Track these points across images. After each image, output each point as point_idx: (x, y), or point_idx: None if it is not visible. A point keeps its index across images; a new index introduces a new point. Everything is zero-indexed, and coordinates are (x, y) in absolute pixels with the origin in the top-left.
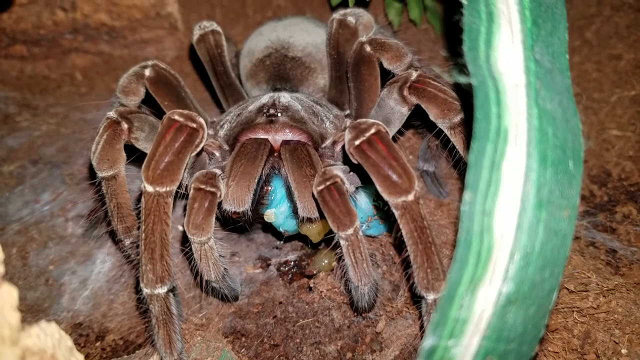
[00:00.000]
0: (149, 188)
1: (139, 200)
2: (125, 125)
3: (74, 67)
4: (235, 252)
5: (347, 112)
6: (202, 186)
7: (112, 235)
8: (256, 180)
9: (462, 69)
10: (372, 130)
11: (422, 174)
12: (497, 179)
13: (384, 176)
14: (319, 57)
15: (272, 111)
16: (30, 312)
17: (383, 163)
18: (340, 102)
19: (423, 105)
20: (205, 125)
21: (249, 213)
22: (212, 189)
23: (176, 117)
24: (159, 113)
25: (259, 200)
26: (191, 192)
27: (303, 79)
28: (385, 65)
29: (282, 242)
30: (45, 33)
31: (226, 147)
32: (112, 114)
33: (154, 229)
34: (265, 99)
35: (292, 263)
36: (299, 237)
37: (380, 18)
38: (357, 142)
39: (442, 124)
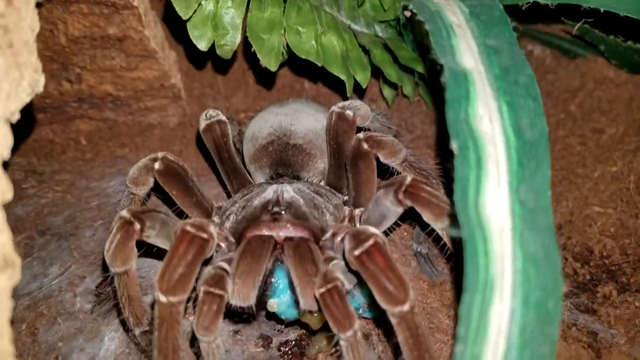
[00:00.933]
0: (163, 298)
1: None
2: (137, 226)
3: (78, 132)
4: (238, 329)
5: (346, 196)
6: (211, 289)
7: (123, 323)
8: (261, 277)
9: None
10: (371, 242)
11: (416, 255)
12: (484, 324)
13: (381, 287)
14: (319, 143)
15: (276, 209)
16: None
17: (380, 275)
18: (339, 186)
19: (417, 209)
20: (215, 234)
21: (254, 307)
22: (220, 292)
23: (188, 229)
24: (164, 197)
25: (263, 292)
26: (201, 295)
27: (304, 164)
28: (382, 159)
29: (283, 326)
30: (50, 102)
31: (232, 239)
32: (125, 213)
33: (167, 335)
34: (270, 193)
35: (293, 342)
36: (299, 322)
37: (375, 89)
38: (356, 253)
39: (435, 225)
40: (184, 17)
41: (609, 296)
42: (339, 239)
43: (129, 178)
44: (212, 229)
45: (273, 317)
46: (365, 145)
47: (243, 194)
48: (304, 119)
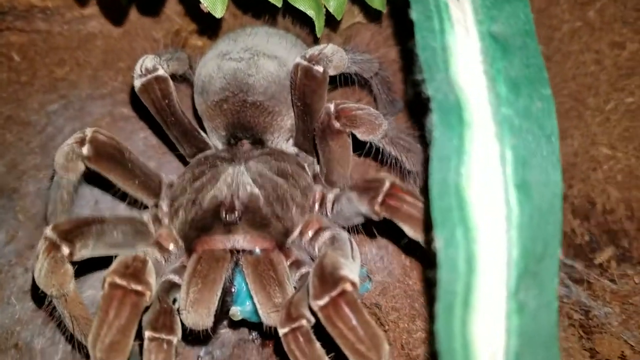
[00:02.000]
0: None
1: None
2: (66, 250)
3: (9, 45)
4: None
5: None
6: (157, 335)
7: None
8: (216, 299)
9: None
10: (338, 290)
11: None
12: None
13: (351, 347)
14: (285, 95)
15: (230, 217)
16: None
17: (351, 334)
18: (310, 149)
19: (396, 222)
20: (152, 283)
21: (210, 329)
22: (169, 337)
23: (117, 281)
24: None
25: (223, 302)
26: (146, 342)
27: (267, 125)
28: (358, 137)
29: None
30: None
31: (182, 243)
32: (49, 232)
33: None
34: (223, 189)
35: None
36: None
37: None
38: (320, 303)
39: (415, 238)
40: (218, 15)
41: (607, 267)
42: (309, 234)
43: (56, 164)
44: (148, 278)
45: (238, 323)
46: (337, 125)
47: (193, 175)
48: (264, 67)
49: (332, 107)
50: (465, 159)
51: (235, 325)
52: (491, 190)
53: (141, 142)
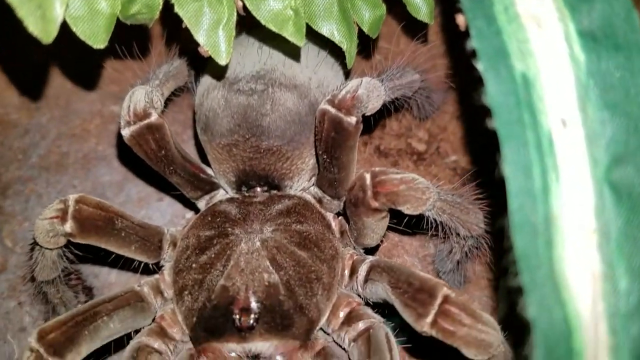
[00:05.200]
0: None
1: None
2: None
3: None
4: None
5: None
6: None
7: None
8: None
9: None
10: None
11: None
12: None
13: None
14: (307, 133)
15: (244, 322)
16: None
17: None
18: (335, 195)
19: (451, 345)
20: None
21: None
22: None
23: None
24: None
25: None
26: None
27: (285, 170)
28: (405, 213)
29: None
30: None
31: (187, 331)
32: (35, 343)
33: None
34: (236, 278)
35: None
36: None
37: None
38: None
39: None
40: (45, 40)
41: None
42: (338, 322)
43: (36, 236)
44: None
45: None
46: (374, 204)
47: (199, 242)
48: (281, 102)
49: (368, 179)
50: None
51: None
52: None
53: None
